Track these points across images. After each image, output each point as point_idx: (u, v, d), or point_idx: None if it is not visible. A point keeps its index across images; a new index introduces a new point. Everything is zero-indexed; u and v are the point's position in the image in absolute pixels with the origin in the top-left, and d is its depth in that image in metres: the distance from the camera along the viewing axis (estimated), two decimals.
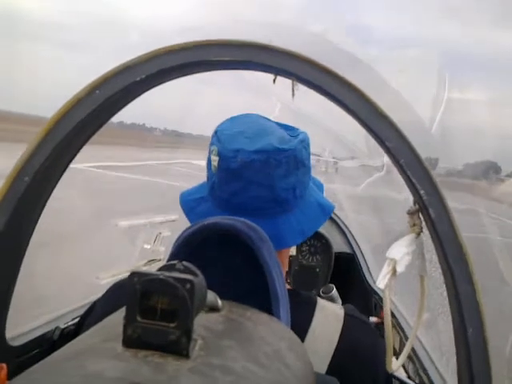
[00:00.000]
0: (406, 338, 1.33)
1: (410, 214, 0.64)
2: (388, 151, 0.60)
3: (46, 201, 0.73)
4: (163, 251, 1.55)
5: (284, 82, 0.63)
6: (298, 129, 0.77)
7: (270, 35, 0.61)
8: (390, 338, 0.67)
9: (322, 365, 0.66)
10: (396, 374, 0.80)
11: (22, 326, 0.93)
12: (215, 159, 0.71)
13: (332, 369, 0.65)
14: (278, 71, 0.62)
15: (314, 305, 0.72)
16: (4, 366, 0.69)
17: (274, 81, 0.63)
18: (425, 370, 1.13)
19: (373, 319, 1.50)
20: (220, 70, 0.67)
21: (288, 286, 0.71)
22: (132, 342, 0.32)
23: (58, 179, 0.73)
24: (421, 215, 0.63)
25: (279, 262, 0.53)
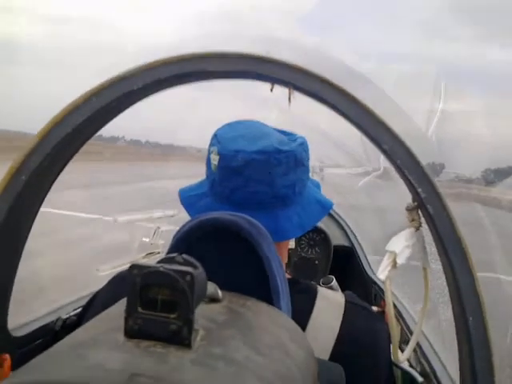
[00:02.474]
0: (407, 327, 1.33)
1: (409, 210, 0.65)
2: (385, 153, 0.61)
3: (42, 199, 0.74)
4: (162, 245, 1.56)
5: (281, 90, 0.64)
6: (295, 134, 0.78)
7: (266, 48, 0.62)
8: (394, 328, 0.67)
9: (323, 352, 0.66)
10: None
11: (24, 317, 0.94)
12: (215, 158, 0.71)
13: (334, 356, 0.66)
14: (275, 81, 0.62)
15: (314, 293, 0.73)
16: (7, 356, 0.70)
17: (272, 90, 0.64)
18: (426, 358, 1.13)
19: (373, 309, 1.50)
20: (216, 79, 0.67)
21: (288, 276, 0.71)
22: (133, 332, 0.32)
23: (56, 177, 0.74)
24: (419, 212, 0.64)
25: (279, 256, 0.53)
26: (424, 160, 0.61)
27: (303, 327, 0.66)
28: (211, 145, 0.74)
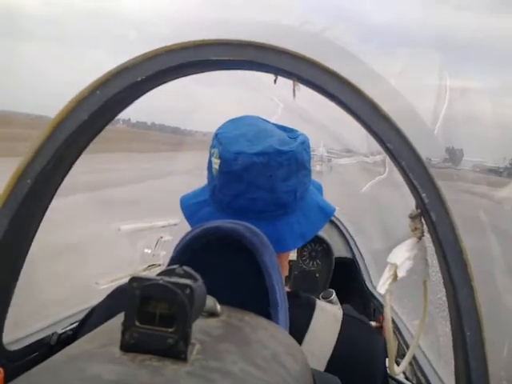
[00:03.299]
0: (405, 342, 1.32)
1: (412, 218, 0.64)
2: (389, 153, 0.59)
3: (48, 203, 0.72)
4: (163, 256, 1.55)
5: (285, 82, 0.62)
6: (297, 130, 0.77)
7: (267, 33, 0.60)
8: (392, 342, 0.66)
9: (320, 364, 0.66)
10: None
11: (20, 331, 0.93)
12: (216, 162, 0.70)
13: (330, 368, 0.65)
14: (278, 71, 0.61)
15: (312, 306, 0.72)
16: (1, 369, 0.69)
17: (275, 81, 0.62)
18: (422, 372, 1.12)
19: (371, 324, 1.49)
20: (220, 70, 0.66)
21: (287, 289, 0.71)
22: (130, 346, 0.32)
23: (61, 181, 0.72)
24: (422, 219, 0.63)
25: (280, 267, 0.53)
26: (428, 154, 0.59)
27: (300, 340, 0.66)
28: (212, 146, 0.73)
